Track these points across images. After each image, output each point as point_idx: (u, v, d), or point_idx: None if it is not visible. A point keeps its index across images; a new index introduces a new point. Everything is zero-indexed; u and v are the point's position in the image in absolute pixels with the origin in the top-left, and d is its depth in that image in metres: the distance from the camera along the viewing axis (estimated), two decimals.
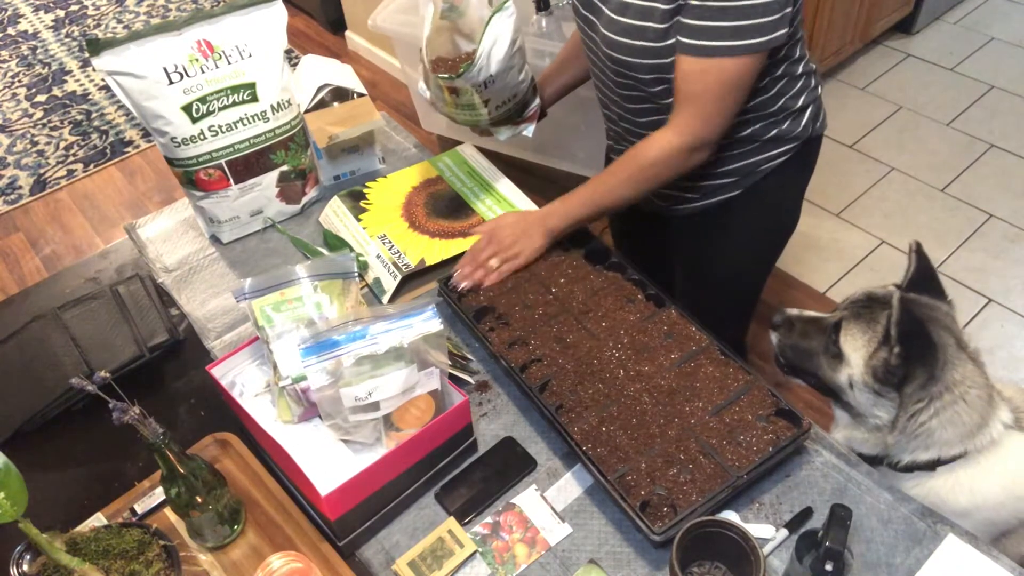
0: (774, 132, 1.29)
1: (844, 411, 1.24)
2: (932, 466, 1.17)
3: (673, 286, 1.62)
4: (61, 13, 4.23)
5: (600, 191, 1.27)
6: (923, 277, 1.21)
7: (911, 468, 1.18)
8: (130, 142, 3.38)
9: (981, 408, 1.14)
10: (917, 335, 1.11)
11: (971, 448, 1.14)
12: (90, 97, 3.64)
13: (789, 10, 1.09)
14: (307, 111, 1.53)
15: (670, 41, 1.14)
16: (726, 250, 1.42)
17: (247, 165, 1.43)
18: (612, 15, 1.18)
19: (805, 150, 1.35)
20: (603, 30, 1.21)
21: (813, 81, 1.32)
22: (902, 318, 1.10)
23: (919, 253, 1.22)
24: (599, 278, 1.31)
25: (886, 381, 1.14)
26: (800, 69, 1.27)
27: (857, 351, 1.16)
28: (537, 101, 1.44)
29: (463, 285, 1.28)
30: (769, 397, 1.12)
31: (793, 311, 1.29)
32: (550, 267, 1.33)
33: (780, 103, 1.27)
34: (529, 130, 1.46)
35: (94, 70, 3.60)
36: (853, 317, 1.18)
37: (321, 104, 1.55)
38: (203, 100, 1.33)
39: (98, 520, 1.10)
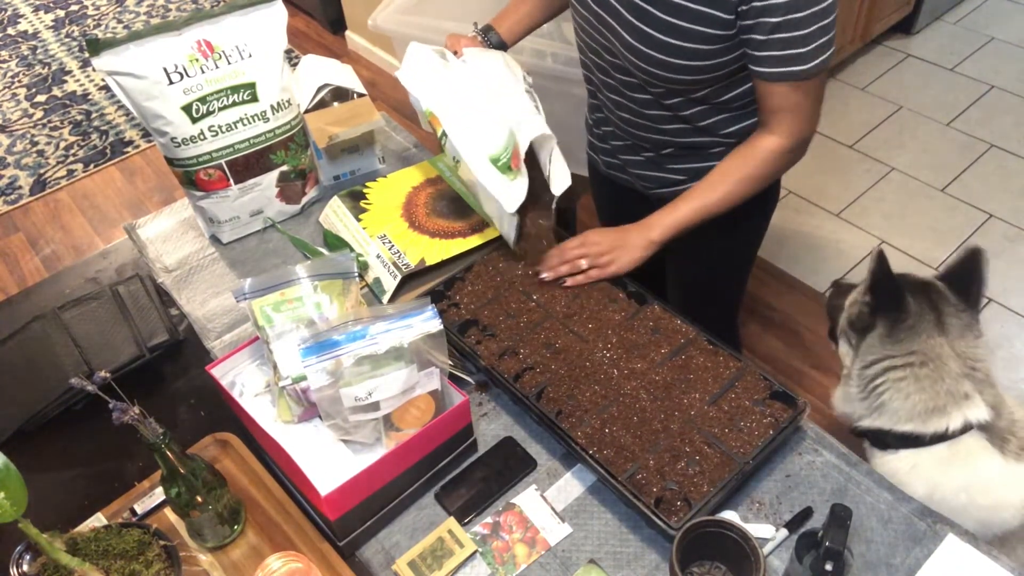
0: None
1: (842, 384, 1.32)
2: (892, 442, 1.20)
3: (663, 269, 1.64)
4: (61, 13, 4.23)
5: (712, 199, 1.28)
6: (965, 279, 1.23)
7: (876, 440, 1.23)
8: (130, 142, 3.39)
9: (935, 392, 1.16)
10: (890, 292, 1.19)
11: (922, 430, 1.17)
12: (90, 97, 3.64)
13: None
14: (307, 111, 1.53)
15: (711, 61, 1.17)
16: (715, 227, 1.45)
17: (247, 165, 1.43)
18: (646, 28, 1.17)
19: None
20: (628, 38, 1.20)
21: None
22: (878, 268, 1.18)
23: (976, 257, 1.24)
24: None
25: (855, 326, 1.23)
26: None
27: (849, 303, 1.27)
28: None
29: (545, 275, 1.29)
30: (762, 381, 1.14)
31: (845, 280, 1.40)
32: (528, 274, 1.33)
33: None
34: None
35: (94, 70, 3.60)
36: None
37: (321, 104, 1.55)
38: (203, 100, 1.33)
39: (98, 520, 1.10)
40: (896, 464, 1.20)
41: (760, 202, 1.47)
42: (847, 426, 1.29)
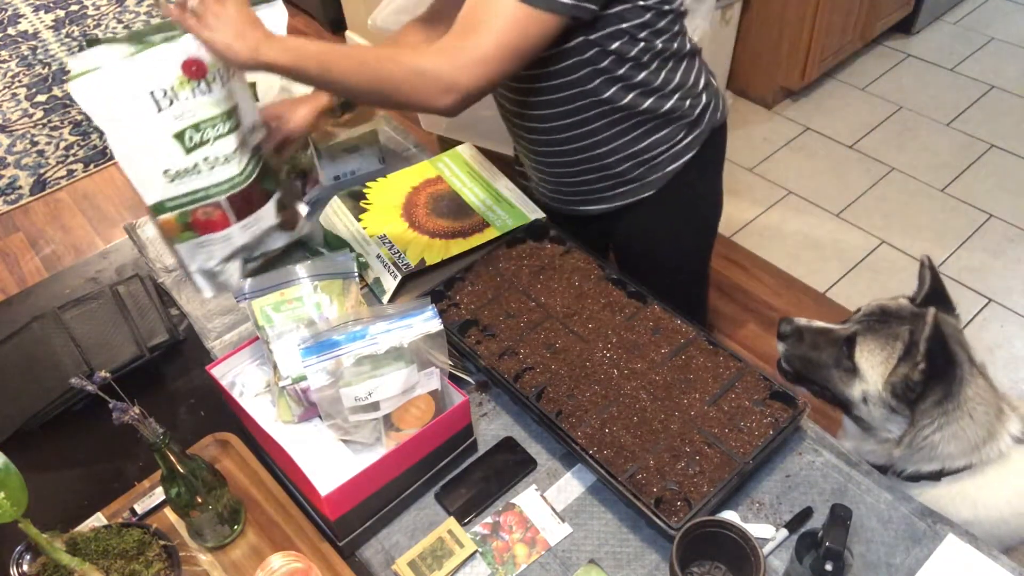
0: (667, 107, 1.26)
1: (853, 423, 1.22)
2: (936, 476, 1.17)
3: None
4: (61, 13, 4.23)
5: (333, 57, 1.05)
6: (935, 291, 1.20)
7: (916, 478, 1.18)
8: None
9: (988, 423, 1.13)
10: (941, 352, 1.10)
11: (976, 461, 1.14)
12: None
13: None
14: None
15: None
16: (655, 243, 1.42)
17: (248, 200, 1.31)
18: None
19: (709, 142, 1.35)
20: None
21: (697, 62, 1.31)
22: (933, 334, 1.08)
23: (932, 269, 1.20)
24: (578, 280, 1.31)
25: (903, 398, 1.12)
26: (678, 47, 1.25)
27: (875, 367, 1.14)
28: None
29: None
30: (762, 381, 1.14)
31: (801, 320, 1.25)
32: (530, 275, 1.33)
33: (663, 77, 1.24)
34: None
35: None
36: (869, 331, 1.15)
37: None
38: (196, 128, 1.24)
39: (98, 520, 1.10)
40: (935, 494, 1.16)
41: (698, 214, 1.43)
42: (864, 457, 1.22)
